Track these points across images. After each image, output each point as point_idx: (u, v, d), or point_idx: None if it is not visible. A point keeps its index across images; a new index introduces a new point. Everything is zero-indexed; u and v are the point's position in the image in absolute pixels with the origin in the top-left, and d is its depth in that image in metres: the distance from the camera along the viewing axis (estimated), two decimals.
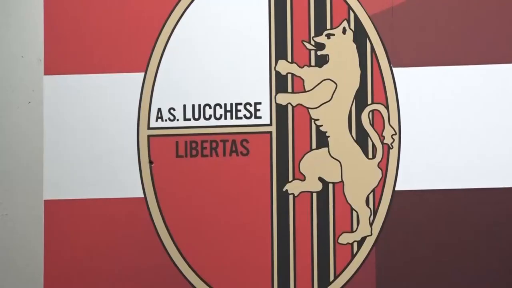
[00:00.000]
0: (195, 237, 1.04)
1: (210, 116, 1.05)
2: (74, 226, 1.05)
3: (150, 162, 1.05)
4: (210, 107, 1.05)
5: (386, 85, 1.03)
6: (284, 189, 1.04)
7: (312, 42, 1.04)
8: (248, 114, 1.05)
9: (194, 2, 1.06)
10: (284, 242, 1.03)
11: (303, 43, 1.04)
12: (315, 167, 1.04)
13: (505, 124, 1.02)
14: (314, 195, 1.04)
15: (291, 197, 1.04)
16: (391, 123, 1.03)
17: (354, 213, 1.03)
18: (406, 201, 1.03)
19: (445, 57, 1.04)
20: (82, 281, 1.05)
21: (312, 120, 1.04)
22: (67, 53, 1.07)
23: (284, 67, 1.04)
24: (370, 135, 1.03)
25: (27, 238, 1.09)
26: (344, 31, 1.04)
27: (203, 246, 1.04)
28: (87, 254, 1.05)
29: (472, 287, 1.02)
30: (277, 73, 1.05)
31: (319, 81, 1.04)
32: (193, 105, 1.05)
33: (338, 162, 1.04)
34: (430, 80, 1.04)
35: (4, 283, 1.13)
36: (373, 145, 1.03)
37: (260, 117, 1.05)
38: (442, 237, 1.03)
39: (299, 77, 1.04)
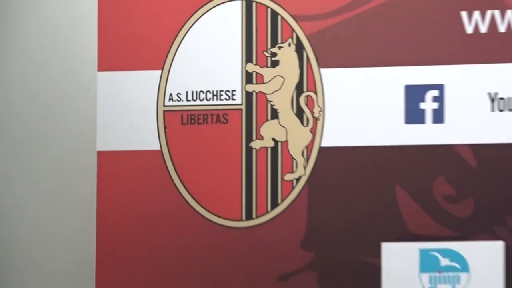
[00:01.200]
0: (196, 173, 1.63)
1: (203, 98, 1.64)
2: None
3: (165, 127, 1.64)
4: (203, 93, 1.64)
5: (315, 79, 1.61)
6: (250, 145, 1.63)
7: (269, 52, 1.63)
8: (227, 97, 1.64)
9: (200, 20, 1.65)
10: (250, 178, 1.62)
11: (263, 52, 1.63)
12: (269, 131, 1.62)
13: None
14: (269, 149, 1.62)
15: (254, 150, 1.63)
16: (318, 104, 1.61)
17: (294, 161, 1.61)
18: (327, 153, 1.61)
19: (356, 61, 1.61)
20: (129, 221, 1.63)
21: (268, 102, 1.62)
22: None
23: (251, 67, 1.63)
24: (305, 111, 1.61)
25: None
26: (289, 44, 1.62)
27: (203, 178, 1.62)
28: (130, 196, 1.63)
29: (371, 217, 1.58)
30: (246, 71, 1.63)
31: (273, 77, 1.62)
32: (192, 91, 1.65)
33: (284, 128, 1.62)
34: (345, 76, 1.61)
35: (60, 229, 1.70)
36: (307, 118, 1.62)
37: (235, 99, 1.63)
38: (353, 178, 1.60)
39: (260, 74, 1.63)
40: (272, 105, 1.62)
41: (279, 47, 1.62)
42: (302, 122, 1.62)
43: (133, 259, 1.65)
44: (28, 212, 1.76)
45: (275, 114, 1.62)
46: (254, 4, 1.62)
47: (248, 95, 1.63)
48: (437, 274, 1.60)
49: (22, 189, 1.78)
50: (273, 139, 1.62)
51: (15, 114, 1.78)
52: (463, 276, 1.59)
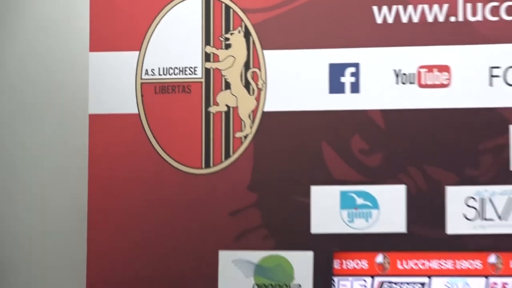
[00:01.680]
0: (166, 131, 2.08)
1: (172, 73, 2.10)
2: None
3: (142, 96, 2.09)
4: (171, 69, 2.10)
5: (259, 59, 2.07)
6: (208, 110, 2.08)
7: (223, 37, 2.08)
8: (190, 73, 2.09)
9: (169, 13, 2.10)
10: (208, 135, 2.07)
11: (218, 38, 2.08)
12: (223, 99, 2.08)
13: None
14: (223, 113, 2.08)
15: (211, 114, 2.08)
16: (262, 78, 2.07)
17: (243, 122, 2.07)
18: (269, 116, 2.06)
19: (292, 44, 2.06)
20: (115, 166, 2.07)
21: (222, 76, 2.08)
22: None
23: (209, 49, 2.09)
24: (251, 83, 2.07)
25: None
26: (239, 31, 2.07)
27: (172, 135, 2.07)
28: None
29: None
30: (206, 52, 2.09)
31: (226, 56, 2.07)
32: (163, 68, 2.10)
33: (235, 97, 2.07)
34: (283, 56, 2.07)
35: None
36: (253, 89, 2.07)
37: (197, 74, 2.09)
38: (288, 135, 2.05)
39: (216, 54, 2.08)
40: (225, 79, 2.08)
41: (231, 33, 2.07)
42: (249, 92, 2.07)
43: (120, 202, 2.10)
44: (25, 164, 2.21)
45: (228, 86, 2.08)
46: (211, 0, 2.09)
47: (207, 71, 2.08)
48: (353, 211, 2.06)
49: (24, 147, 2.23)
50: (226, 105, 2.07)
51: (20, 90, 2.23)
52: (374, 212, 2.05)
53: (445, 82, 2.02)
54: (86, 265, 2.09)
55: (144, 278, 2.06)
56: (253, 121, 2.07)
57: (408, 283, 1.98)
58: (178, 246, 2.06)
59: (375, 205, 2.04)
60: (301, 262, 2.03)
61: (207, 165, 2.08)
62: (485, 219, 2.01)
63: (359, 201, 2.05)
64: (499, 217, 2.01)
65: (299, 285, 2.04)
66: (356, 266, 1.97)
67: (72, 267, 2.13)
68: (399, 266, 1.96)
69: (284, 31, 2.07)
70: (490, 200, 2.00)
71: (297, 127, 2.06)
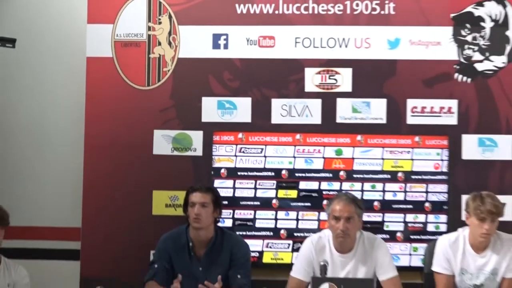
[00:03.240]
0: (127, 66, 3.98)
1: (130, 36, 4.00)
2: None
3: (114, 47, 3.99)
4: (130, 34, 3.99)
5: (177, 30, 3.97)
6: (149, 56, 3.98)
7: (157, 18, 3.98)
8: (139, 36, 3.99)
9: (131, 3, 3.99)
10: (149, 68, 3.98)
11: (156, 18, 3.98)
12: (157, 51, 3.97)
13: None
14: (157, 58, 3.99)
15: (151, 58, 3.98)
16: (177, 40, 3.97)
17: (167, 63, 3.97)
18: (182, 61, 3.97)
19: (199, 22, 3.97)
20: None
21: (157, 39, 3.98)
22: None
23: (150, 24, 3.98)
24: (172, 42, 3.98)
25: None
26: (167, 15, 3.97)
27: (129, 66, 3.98)
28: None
29: None
30: (148, 26, 3.98)
31: (159, 28, 3.96)
32: (126, 33, 3.99)
33: (163, 49, 3.97)
34: (192, 29, 3.98)
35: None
36: (174, 45, 3.98)
37: (143, 37, 3.98)
38: (193, 67, 3.97)
39: (154, 27, 3.98)
40: (158, 40, 3.98)
41: (162, 16, 3.97)
42: (170, 47, 3.97)
43: (105, 108, 4.00)
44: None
45: (159, 43, 3.97)
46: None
47: (149, 36, 3.98)
48: (224, 110, 4.00)
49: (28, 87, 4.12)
50: (159, 54, 3.97)
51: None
52: (234, 111, 3.99)
53: (272, 44, 3.96)
54: None
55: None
56: (172, 63, 3.98)
57: (254, 149, 3.92)
58: (132, 128, 3.98)
59: (235, 107, 3.98)
60: (196, 136, 3.95)
61: (148, 84, 3.99)
62: (291, 116, 3.96)
63: (227, 105, 3.98)
64: (299, 115, 3.96)
65: (195, 148, 3.96)
66: (227, 139, 3.91)
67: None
68: (250, 139, 3.90)
69: (191, 15, 3.98)
70: (294, 106, 3.95)
71: (195, 67, 3.97)
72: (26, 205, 3.83)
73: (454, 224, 3.29)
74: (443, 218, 3.58)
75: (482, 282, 2.86)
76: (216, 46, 3.96)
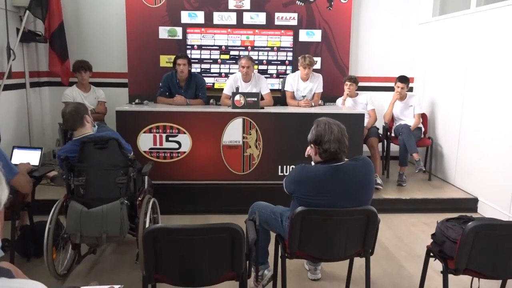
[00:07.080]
0: None
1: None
2: None
3: None
4: None
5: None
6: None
7: None
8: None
9: None
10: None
11: None
12: None
13: None
14: None
15: None
16: None
17: None
18: None
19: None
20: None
21: None
22: None
23: None
24: None
25: None
26: None
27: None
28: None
29: None
30: None
31: None
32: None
33: None
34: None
35: None
36: None
37: None
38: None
39: None
40: None
41: None
42: None
43: None
44: None
45: None
46: None
47: None
48: None
49: None
50: None
51: None
52: None
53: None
54: None
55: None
56: None
57: (209, 35, 8.37)
58: (148, 26, 8.14)
59: (196, 16, 8.31)
60: (179, 30, 8.26)
61: (155, 4, 8.10)
62: (223, 20, 8.40)
63: (193, 15, 8.29)
64: (226, 20, 8.42)
65: (179, 36, 8.27)
66: (193, 31, 8.30)
67: None
68: (206, 31, 8.31)
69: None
70: (223, 15, 8.38)
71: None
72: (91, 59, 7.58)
73: (295, 70, 8.15)
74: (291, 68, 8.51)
75: (305, 94, 7.79)
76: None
